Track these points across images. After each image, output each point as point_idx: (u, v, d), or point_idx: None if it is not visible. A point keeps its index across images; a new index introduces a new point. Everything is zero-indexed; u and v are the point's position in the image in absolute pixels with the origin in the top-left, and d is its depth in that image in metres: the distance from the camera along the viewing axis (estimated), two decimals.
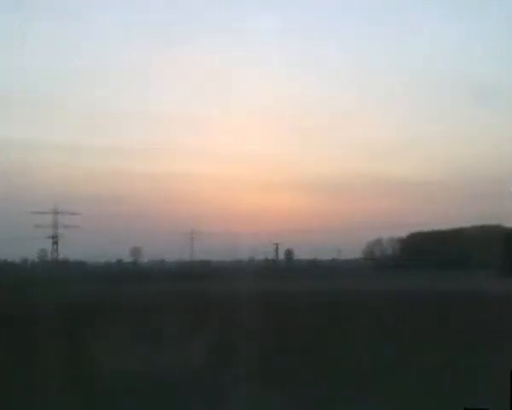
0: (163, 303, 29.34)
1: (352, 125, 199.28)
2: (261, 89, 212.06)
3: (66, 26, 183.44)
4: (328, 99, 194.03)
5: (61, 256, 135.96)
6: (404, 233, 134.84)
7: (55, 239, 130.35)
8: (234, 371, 11.77)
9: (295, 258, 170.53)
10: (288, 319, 22.71)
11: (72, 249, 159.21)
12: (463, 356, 13.64)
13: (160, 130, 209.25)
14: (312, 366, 12.77)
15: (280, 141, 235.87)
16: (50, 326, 17.62)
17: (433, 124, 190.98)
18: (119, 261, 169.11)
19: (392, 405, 9.69)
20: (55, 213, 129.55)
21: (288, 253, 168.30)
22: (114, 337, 15.08)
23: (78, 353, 13.88)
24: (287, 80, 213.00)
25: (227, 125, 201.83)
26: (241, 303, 27.71)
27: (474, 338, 16.30)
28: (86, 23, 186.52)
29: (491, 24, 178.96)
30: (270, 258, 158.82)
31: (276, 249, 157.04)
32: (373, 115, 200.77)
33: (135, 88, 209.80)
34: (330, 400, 10.02)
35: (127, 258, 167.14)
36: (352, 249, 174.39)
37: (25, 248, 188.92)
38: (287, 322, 21.38)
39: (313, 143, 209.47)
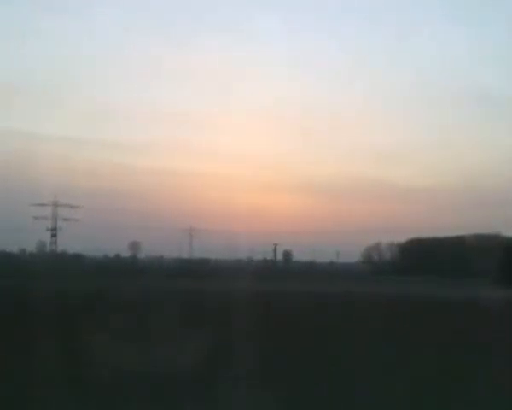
0: (161, 301, 29.34)
1: (352, 126, 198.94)
2: (261, 89, 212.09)
3: (67, 22, 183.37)
4: (328, 99, 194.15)
5: (59, 249, 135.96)
6: (403, 238, 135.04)
7: (53, 231, 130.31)
8: (233, 371, 11.78)
9: (293, 259, 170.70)
10: (288, 318, 22.77)
11: (71, 242, 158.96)
12: (463, 357, 13.78)
13: (161, 128, 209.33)
14: (312, 366, 12.82)
15: (280, 141, 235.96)
16: (41, 321, 17.29)
17: (434, 128, 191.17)
18: (118, 256, 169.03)
19: (392, 405, 9.77)
20: (55, 205, 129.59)
21: (287, 254, 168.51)
22: (107, 335, 14.89)
23: (71, 351, 13.72)
24: (287, 80, 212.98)
25: (227, 125, 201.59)
26: (239, 302, 27.75)
27: (470, 341, 16.44)
28: (87, 22, 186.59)
29: (493, 25, 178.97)
30: (268, 258, 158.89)
31: (275, 250, 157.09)
32: (373, 116, 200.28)
33: (135, 86, 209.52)
34: (330, 400, 10.07)
35: (126, 253, 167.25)
36: (351, 253, 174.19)
37: (23, 239, 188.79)
38: (286, 322, 21.43)
39: (313, 143, 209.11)
